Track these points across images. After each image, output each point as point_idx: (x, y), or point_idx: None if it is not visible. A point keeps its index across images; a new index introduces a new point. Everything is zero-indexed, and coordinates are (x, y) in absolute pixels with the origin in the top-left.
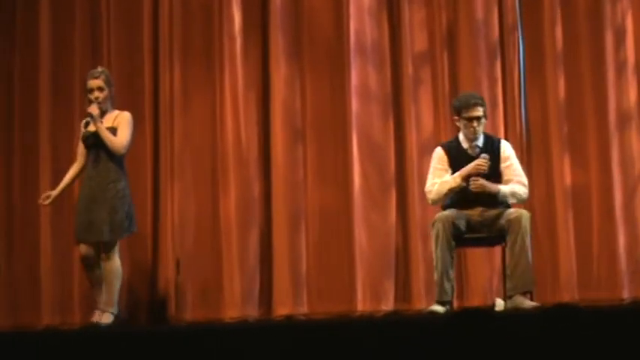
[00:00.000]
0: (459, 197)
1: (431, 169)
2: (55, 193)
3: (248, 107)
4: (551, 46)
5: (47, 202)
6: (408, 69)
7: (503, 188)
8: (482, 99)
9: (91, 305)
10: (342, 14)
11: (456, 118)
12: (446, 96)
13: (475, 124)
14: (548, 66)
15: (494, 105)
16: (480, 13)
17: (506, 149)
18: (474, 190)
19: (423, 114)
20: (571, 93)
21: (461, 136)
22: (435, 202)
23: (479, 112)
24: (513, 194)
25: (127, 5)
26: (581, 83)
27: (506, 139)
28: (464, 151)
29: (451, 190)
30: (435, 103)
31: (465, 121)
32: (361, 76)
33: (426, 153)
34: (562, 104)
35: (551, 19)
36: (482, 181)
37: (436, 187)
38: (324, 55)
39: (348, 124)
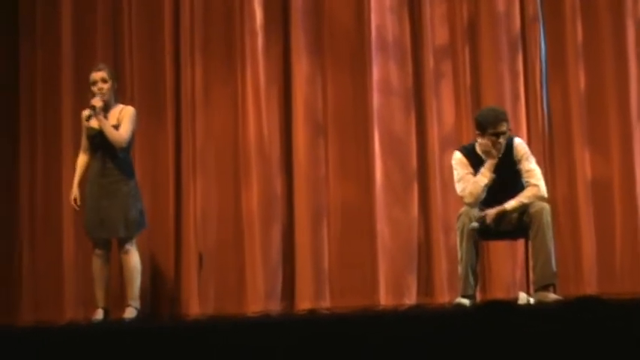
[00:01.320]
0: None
1: (456, 175)
2: (75, 192)
3: (269, 103)
4: (573, 38)
5: (77, 207)
6: (430, 64)
7: (515, 203)
8: (505, 113)
9: (114, 300)
10: (363, 9)
11: (479, 133)
12: (467, 90)
13: (501, 139)
14: (569, 59)
15: (516, 98)
16: (500, 7)
17: (519, 149)
18: (490, 223)
19: (444, 108)
20: (593, 86)
21: (477, 147)
22: (473, 204)
23: (504, 127)
24: (528, 200)
25: (148, 1)
26: (602, 76)
27: (528, 132)
28: (479, 156)
29: (486, 186)
30: (457, 97)
31: (492, 137)
32: (382, 72)
33: (447, 147)
34: (584, 97)
35: (572, 12)
36: (491, 212)
37: (468, 189)
38: (346, 51)
39: (370, 120)
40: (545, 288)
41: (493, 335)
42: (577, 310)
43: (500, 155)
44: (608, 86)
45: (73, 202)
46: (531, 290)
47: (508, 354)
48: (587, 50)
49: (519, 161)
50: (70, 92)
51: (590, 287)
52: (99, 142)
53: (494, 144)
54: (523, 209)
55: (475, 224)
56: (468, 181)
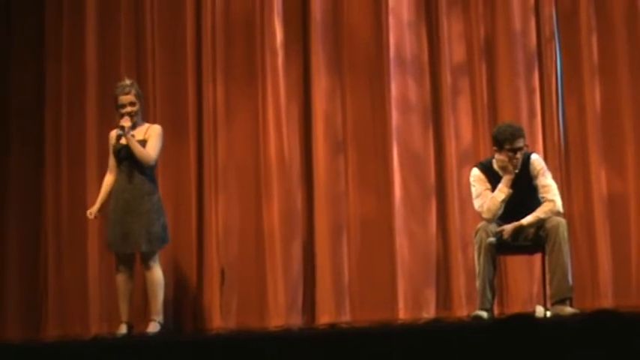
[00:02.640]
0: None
1: (474, 192)
2: (95, 208)
3: (290, 120)
4: (589, 55)
5: (92, 216)
6: (447, 80)
7: (532, 218)
8: (522, 129)
9: (138, 314)
10: (381, 27)
11: (496, 149)
12: (484, 106)
13: (518, 155)
14: (585, 75)
15: (532, 115)
16: (517, 24)
17: (536, 165)
18: (507, 238)
19: (462, 124)
20: (609, 102)
21: (494, 163)
22: (491, 219)
23: (521, 143)
24: (544, 215)
25: (170, 20)
26: (618, 92)
27: (544, 148)
28: (496, 172)
29: (504, 202)
30: (474, 113)
31: (509, 153)
32: (401, 88)
33: (465, 163)
34: (599, 113)
35: (588, 29)
36: (508, 228)
37: (486, 205)
38: (364, 68)
39: (389, 135)
40: (561, 302)
41: (511, 349)
42: (594, 323)
43: (517, 171)
44: (623, 102)
45: (88, 213)
46: (548, 304)
47: None
48: (602, 67)
49: (536, 177)
50: (94, 108)
51: (607, 301)
52: (124, 155)
53: (511, 160)
54: (540, 224)
55: (492, 239)
56: (486, 197)
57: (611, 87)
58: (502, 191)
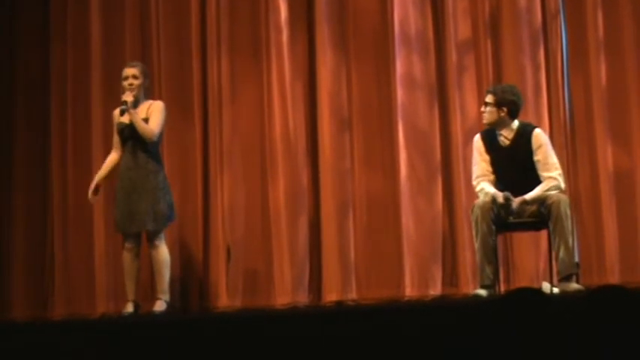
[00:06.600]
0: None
1: (473, 160)
2: (91, 187)
3: (295, 97)
4: (594, 31)
5: (93, 201)
6: (452, 57)
7: (534, 194)
8: (505, 89)
9: (144, 293)
10: (386, 4)
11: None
12: (490, 83)
13: (483, 108)
14: (591, 52)
15: (538, 91)
16: (522, 0)
17: (538, 139)
18: (515, 207)
19: (467, 101)
20: (614, 77)
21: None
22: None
23: (488, 98)
24: (547, 191)
25: (175, 0)
26: (624, 67)
27: (550, 124)
28: (497, 139)
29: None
30: (480, 90)
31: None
32: (406, 65)
33: (470, 139)
34: (605, 89)
35: (593, 4)
36: (516, 200)
37: (481, 196)
38: (370, 45)
39: (394, 113)
40: (567, 278)
41: (517, 325)
42: (599, 299)
43: (508, 143)
44: (629, 78)
45: (90, 194)
46: (555, 281)
47: (533, 343)
48: (608, 42)
49: (536, 151)
50: (99, 90)
51: (613, 277)
52: (128, 134)
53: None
54: (542, 200)
55: (507, 193)
56: (481, 168)
57: (617, 63)
58: (497, 196)
